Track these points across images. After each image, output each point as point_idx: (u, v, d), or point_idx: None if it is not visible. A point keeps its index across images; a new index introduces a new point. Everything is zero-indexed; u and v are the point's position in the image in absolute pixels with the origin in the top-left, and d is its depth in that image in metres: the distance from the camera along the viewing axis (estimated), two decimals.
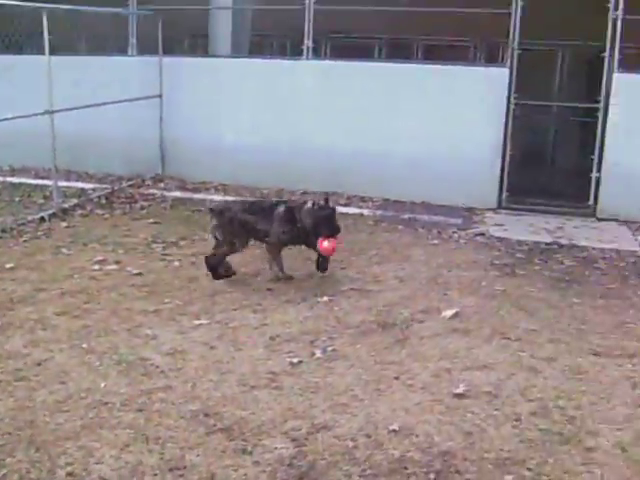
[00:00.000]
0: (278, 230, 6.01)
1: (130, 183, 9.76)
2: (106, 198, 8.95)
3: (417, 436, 3.72)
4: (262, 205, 6.44)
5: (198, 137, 10.11)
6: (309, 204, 6.01)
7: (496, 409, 4.04)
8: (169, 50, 10.47)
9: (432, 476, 3.38)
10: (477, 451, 3.60)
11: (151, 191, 9.47)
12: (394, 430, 3.76)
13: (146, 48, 10.36)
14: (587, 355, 4.83)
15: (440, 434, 3.75)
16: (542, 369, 4.58)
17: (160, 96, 10.08)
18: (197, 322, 5.17)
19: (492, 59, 12.04)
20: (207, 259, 6.14)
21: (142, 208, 8.61)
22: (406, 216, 8.58)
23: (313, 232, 5.92)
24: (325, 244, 5.86)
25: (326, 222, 5.89)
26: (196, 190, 9.68)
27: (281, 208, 6.07)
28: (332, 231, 5.90)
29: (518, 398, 4.18)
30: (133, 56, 10.43)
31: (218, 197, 9.24)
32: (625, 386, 4.41)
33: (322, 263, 6.14)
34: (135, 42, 10.40)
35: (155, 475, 3.35)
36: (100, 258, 6.54)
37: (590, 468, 3.50)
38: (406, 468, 3.44)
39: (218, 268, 6.10)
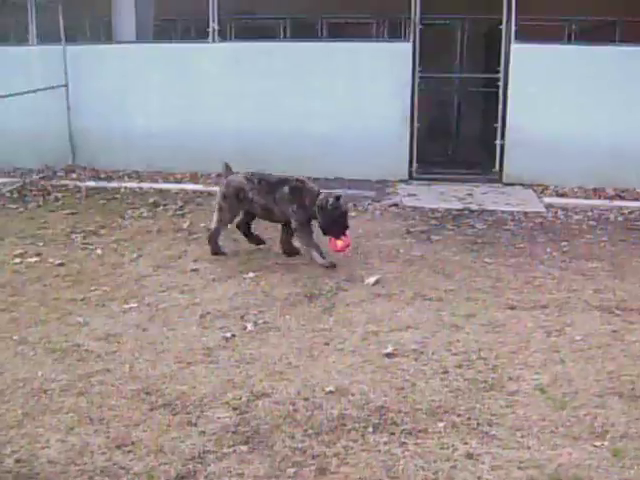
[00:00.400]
0: (298, 211, 5.94)
1: (41, 175, 9.61)
2: (18, 192, 8.81)
3: (353, 395, 3.91)
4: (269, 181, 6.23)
5: (108, 125, 10.02)
6: (321, 198, 5.87)
7: (424, 364, 4.28)
8: (72, 38, 10.30)
9: (370, 429, 3.58)
10: (410, 403, 3.83)
11: (64, 182, 9.35)
12: (331, 391, 3.94)
13: (49, 36, 10.16)
14: (503, 309, 5.14)
15: (374, 391, 3.95)
16: (463, 325, 4.86)
17: (66, 85, 9.92)
18: (127, 306, 5.22)
19: (395, 35, 12.30)
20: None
21: (57, 200, 8.51)
22: None
23: (323, 229, 5.89)
24: (339, 244, 5.85)
25: (339, 223, 5.83)
26: (109, 179, 9.62)
27: (286, 188, 6.01)
28: (343, 231, 5.85)
29: (444, 353, 4.43)
30: (34, 45, 10.21)
31: (132, 184, 9.21)
32: (540, 334, 4.73)
33: (291, 246, 6.24)
34: (35, 30, 10.18)
35: (103, 453, 3.42)
36: (20, 251, 6.48)
37: (514, 409, 3.78)
38: (345, 425, 3.63)
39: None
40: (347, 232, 5.89)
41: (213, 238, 6.36)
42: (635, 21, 11.41)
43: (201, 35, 10.19)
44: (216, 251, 6.34)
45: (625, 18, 11.24)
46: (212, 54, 9.91)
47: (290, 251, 6.27)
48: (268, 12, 12.71)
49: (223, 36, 10.57)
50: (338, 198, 5.83)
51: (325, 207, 5.80)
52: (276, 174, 6.31)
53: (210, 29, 9.77)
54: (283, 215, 6.10)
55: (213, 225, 6.38)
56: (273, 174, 6.31)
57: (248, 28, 12.69)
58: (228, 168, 6.47)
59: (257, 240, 6.51)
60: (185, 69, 9.91)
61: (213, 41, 9.82)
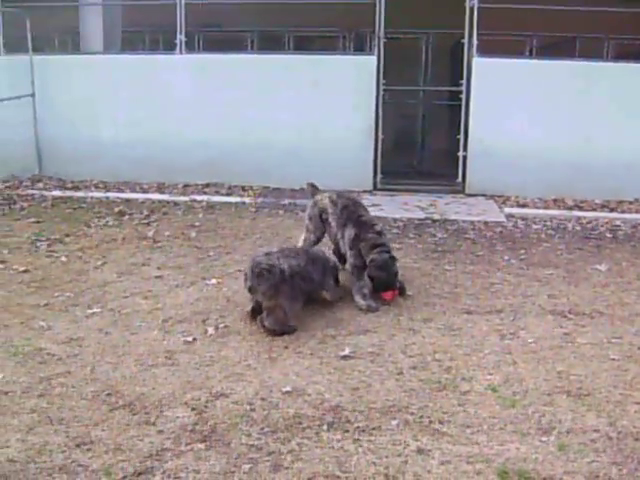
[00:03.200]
0: (356, 258, 5.52)
1: (7, 185, 9.61)
2: None
3: (309, 395, 4.01)
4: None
5: (75, 135, 10.07)
6: (372, 258, 5.41)
7: (380, 366, 4.39)
8: (40, 49, 10.33)
9: (325, 427, 3.68)
10: (365, 403, 3.93)
11: (30, 192, 9.36)
12: (287, 392, 4.04)
13: (16, 46, 10.19)
14: (460, 314, 5.27)
15: (330, 391, 4.05)
16: (420, 329, 4.99)
17: (32, 95, 9.95)
18: (90, 311, 5.27)
19: (361, 48, 12.49)
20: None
21: (22, 209, 8.52)
22: (286, 202, 8.89)
23: (372, 285, 5.45)
24: (387, 295, 5.49)
25: (388, 283, 5.46)
26: (76, 188, 9.64)
27: (352, 231, 5.56)
28: (391, 290, 5.50)
29: (399, 355, 4.55)
30: (1, 55, 10.23)
31: (99, 194, 9.26)
32: (494, 337, 4.88)
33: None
34: (2, 40, 10.20)
35: (63, 452, 3.48)
36: None
37: (465, 408, 3.90)
38: (301, 423, 3.72)
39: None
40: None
41: None
42: (593, 37, 11.75)
43: (169, 47, 10.28)
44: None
45: (584, 34, 11.54)
46: (179, 65, 10.01)
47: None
48: (236, 25, 12.84)
49: (191, 48, 10.68)
50: (393, 259, 5.48)
51: (373, 267, 5.40)
52: (361, 207, 5.94)
53: (178, 41, 9.87)
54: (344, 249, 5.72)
55: (299, 244, 6.02)
56: (358, 203, 6.02)
57: (216, 40, 12.81)
58: (314, 187, 6.21)
59: None
60: (152, 80, 10.00)
61: (180, 53, 9.92)
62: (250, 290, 4.92)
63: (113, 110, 10.07)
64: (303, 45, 12.88)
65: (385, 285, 5.44)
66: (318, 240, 6.01)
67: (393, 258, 5.50)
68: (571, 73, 9.50)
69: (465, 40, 9.51)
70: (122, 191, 9.49)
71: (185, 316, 5.17)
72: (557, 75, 9.45)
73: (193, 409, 3.87)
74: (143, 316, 5.19)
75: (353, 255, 5.54)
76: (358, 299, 5.39)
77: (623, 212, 8.87)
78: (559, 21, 10.91)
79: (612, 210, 8.96)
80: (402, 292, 5.61)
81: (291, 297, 4.88)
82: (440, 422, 3.75)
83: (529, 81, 9.43)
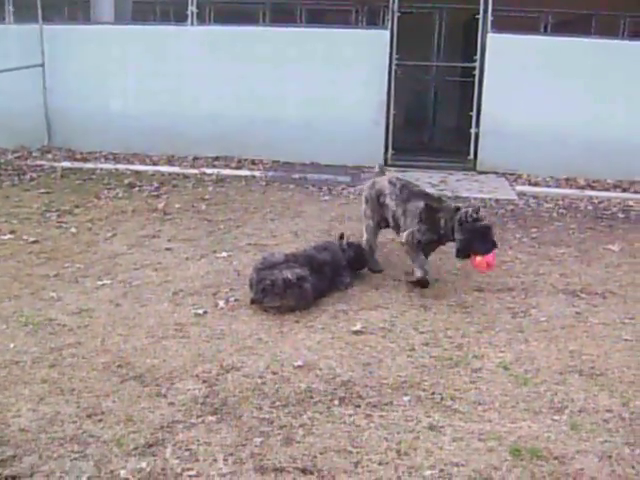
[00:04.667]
0: (413, 227, 5.25)
1: (16, 155, 9.60)
2: None
3: (320, 369, 4.00)
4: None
5: (85, 106, 10.02)
6: (461, 213, 5.05)
7: (391, 342, 4.37)
8: (50, 18, 10.26)
9: (336, 402, 3.67)
10: (376, 378, 3.92)
11: (39, 162, 9.35)
12: (299, 366, 4.02)
13: (26, 15, 10.12)
14: (471, 291, 5.25)
15: (342, 366, 4.04)
16: (431, 306, 4.97)
17: (42, 65, 9.89)
18: (100, 283, 5.26)
19: (374, 22, 12.37)
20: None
21: (32, 179, 8.50)
22: (297, 176, 8.86)
23: (465, 247, 5.04)
24: (478, 259, 4.98)
25: (483, 237, 4.99)
26: (85, 160, 9.62)
27: (421, 203, 5.25)
28: (489, 246, 5.00)
29: (411, 331, 4.53)
30: (11, 24, 10.16)
31: (108, 165, 9.23)
32: (506, 315, 4.85)
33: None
34: (12, 9, 10.13)
35: (74, 422, 3.48)
36: None
37: (477, 385, 3.89)
38: (312, 397, 3.71)
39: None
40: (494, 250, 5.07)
41: (370, 253, 5.62)
42: (610, 14, 11.60)
43: (180, 18, 10.19)
44: (374, 268, 5.62)
45: (601, 11, 11.39)
46: (190, 38, 9.92)
47: None
48: None
49: (202, 20, 10.59)
50: (477, 210, 5.06)
51: (465, 222, 5.00)
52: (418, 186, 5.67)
53: (189, 12, 9.78)
54: (404, 228, 5.35)
55: (365, 238, 5.69)
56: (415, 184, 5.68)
57: (227, 12, 12.69)
58: (382, 171, 5.90)
59: (375, 266, 5.66)
60: (163, 52, 9.93)
61: (192, 24, 9.83)
62: (253, 302, 4.87)
63: (123, 81, 10.01)
64: (316, 18, 12.75)
65: (482, 239, 4.96)
66: (378, 226, 5.63)
67: (478, 210, 5.07)
68: (586, 51, 9.39)
69: (480, 16, 9.39)
70: (132, 163, 9.46)
71: (195, 289, 5.16)
72: (572, 53, 9.35)
73: (204, 382, 3.86)
74: (153, 288, 5.17)
75: (421, 230, 5.19)
76: (417, 269, 5.25)
77: (636, 192, 8.80)
78: None
79: (625, 190, 8.89)
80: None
81: (299, 297, 4.82)
82: (452, 399, 3.73)
83: (543, 58, 9.32)
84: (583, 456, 3.30)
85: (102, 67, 9.96)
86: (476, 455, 3.27)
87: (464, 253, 5.04)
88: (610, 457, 3.29)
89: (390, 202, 5.41)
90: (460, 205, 5.27)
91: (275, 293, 4.76)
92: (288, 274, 4.80)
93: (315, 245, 5.48)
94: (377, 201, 5.53)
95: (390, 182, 5.50)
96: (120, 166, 9.24)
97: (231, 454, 3.23)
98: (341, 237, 5.54)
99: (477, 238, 4.95)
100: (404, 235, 5.28)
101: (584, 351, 4.35)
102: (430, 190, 5.61)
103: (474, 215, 4.99)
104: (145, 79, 9.98)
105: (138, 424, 3.46)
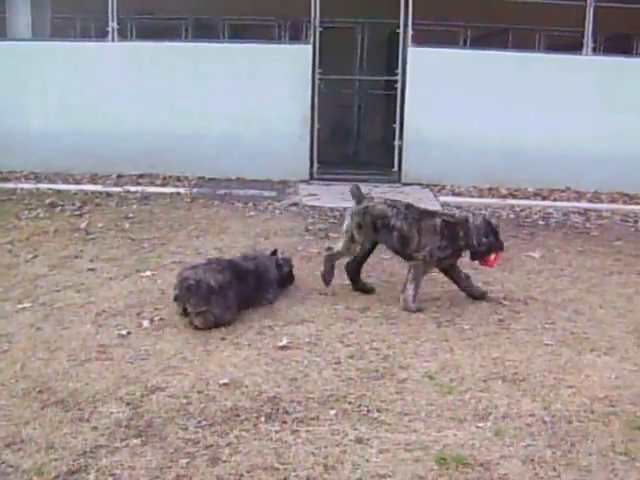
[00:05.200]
0: (434, 245, 5.24)
1: None
2: None
3: (247, 387, 3.97)
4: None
5: (3, 124, 9.75)
6: (477, 220, 5.37)
7: (317, 356, 4.37)
8: None
9: (263, 419, 3.64)
10: (302, 393, 3.91)
11: None
12: (225, 384, 3.98)
13: None
14: (397, 303, 5.28)
15: (268, 382, 4.02)
16: (357, 318, 4.99)
17: None
18: (20, 306, 5.11)
19: (297, 37, 12.44)
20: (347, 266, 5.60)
21: None
22: (222, 192, 8.83)
23: (488, 250, 5.31)
24: (493, 257, 5.36)
25: (498, 238, 5.38)
26: (5, 179, 9.39)
27: (438, 220, 5.32)
28: (502, 245, 5.43)
29: (337, 345, 4.54)
30: None
31: (29, 185, 9.01)
32: (431, 325, 4.92)
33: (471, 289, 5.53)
34: None
35: None
36: None
37: (403, 395, 3.92)
38: (238, 415, 3.68)
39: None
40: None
41: (330, 261, 5.51)
42: (526, 28, 11.95)
43: (101, 34, 10.05)
44: (327, 278, 5.48)
45: (516, 25, 11.72)
46: (112, 54, 9.80)
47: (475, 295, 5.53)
48: (170, 12, 12.64)
49: (123, 36, 10.47)
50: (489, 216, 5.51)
51: (490, 228, 5.32)
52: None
53: (109, 28, 9.65)
54: (418, 247, 5.30)
55: (336, 250, 5.52)
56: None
57: (149, 28, 12.58)
58: (360, 192, 5.61)
59: (364, 287, 5.61)
60: (84, 69, 9.78)
61: (112, 40, 9.71)
62: (176, 299, 4.84)
63: (43, 99, 9.80)
64: (239, 34, 12.75)
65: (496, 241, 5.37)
66: (368, 252, 5.55)
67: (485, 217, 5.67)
68: (504, 63, 9.67)
69: (400, 30, 9.55)
70: (54, 182, 9.26)
71: (119, 309, 5.07)
72: (490, 65, 9.60)
73: (128, 404, 3.79)
74: (75, 310, 5.06)
75: (442, 246, 5.24)
76: (410, 297, 5.21)
77: (555, 200, 9.07)
78: (492, 12, 11.06)
79: (544, 198, 9.16)
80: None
81: (224, 306, 4.79)
82: (378, 411, 3.75)
83: (463, 71, 9.54)
84: (507, 461, 3.35)
85: (21, 84, 9.73)
86: (403, 466, 3.29)
87: (485, 255, 5.35)
88: (533, 461, 3.36)
89: (398, 223, 5.31)
90: (468, 215, 5.65)
91: (200, 297, 4.69)
92: (212, 281, 4.75)
93: (244, 254, 5.49)
94: (373, 227, 5.38)
95: (389, 205, 5.43)
96: (42, 185, 9.03)
97: (156, 477, 3.17)
98: (274, 253, 5.53)
99: (496, 239, 5.35)
100: (421, 255, 5.25)
101: (507, 357, 4.44)
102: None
103: (491, 220, 5.53)
104: (66, 96, 9.79)
105: (60, 451, 3.36)
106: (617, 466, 3.34)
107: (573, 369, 4.32)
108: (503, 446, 3.46)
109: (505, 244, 5.54)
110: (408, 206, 5.49)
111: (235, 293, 4.86)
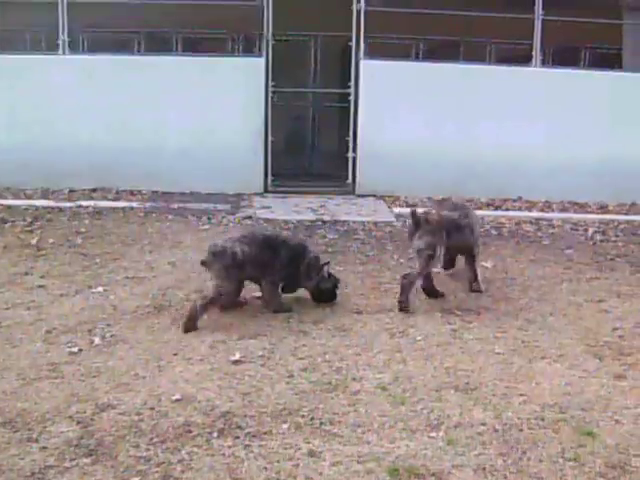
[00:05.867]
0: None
1: None
2: None
3: (199, 402, 3.94)
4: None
5: None
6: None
7: (270, 370, 4.37)
8: None
9: (215, 434, 3.62)
10: (255, 407, 3.90)
11: None
12: (177, 400, 3.96)
13: None
14: (350, 314, 5.32)
15: (220, 397, 4.00)
16: (310, 330, 5.00)
17: None
18: None
19: (250, 50, 12.43)
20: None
21: None
22: (176, 206, 8.77)
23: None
24: None
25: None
26: None
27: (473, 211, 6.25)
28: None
29: (290, 358, 4.54)
30: None
31: None
32: (384, 336, 4.95)
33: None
34: None
35: None
36: None
37: (356, 407, 3.93)
38: (190, 431, 3.65)
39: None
40: None
41: (408, 290, 5.45)
42: (477, 41, 12.11)
43: (52, 47, 9.93)
44: (405, 306, 5.41)
45: (466, 38, 11.88)
46: (63, 67, 9.67)
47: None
48: (122, 26, 12.53)
49: (75, 49, 10.36)
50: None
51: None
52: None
53: (60, 41, 9.54)
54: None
55: (417, 271, 5.55)
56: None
57: (102, 41, 12.45)
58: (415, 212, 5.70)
59: (436, 292, 5.81)
60: (35, 82, 9.62)
61: (63, 53, 9.60)
62: (203, 264, 5.22)
63: None
64: (192, 47, 12.69)
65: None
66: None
67: None
68: (455, 75, 9.77)
69: (353, 43, 9.62)
70: (3, 197, 9.09)
71: (70, 326, 5.00)
72: (442, 77, 9.71)
73: (78, 422, 3.74)
74: (25, 328, 4.97)
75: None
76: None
77: (507, 210, 9.20)
78: (444, 26, 11.17)
79: (497, 208, 9.28)
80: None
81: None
82: (331, 423, 3.76)
83: (416, 83, 9.64)
84: (459, 470, 3.38)
85: None
86: (355, 478, 3.30)
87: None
88: (484, 469, 3.39)
89: (472, 223, 5.99)
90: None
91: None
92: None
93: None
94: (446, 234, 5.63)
95: (452, 211, 5.89)
96: None
97: None
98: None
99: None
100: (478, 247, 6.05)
101: (459, 367, 4.48)
102: None
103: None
104: (16, 110, 9.64)
105: (7, 473, 3.30)
106: (567, 472, 3.40)
107: (524, 377, 4.38)
108: (455, 455, 3.49)
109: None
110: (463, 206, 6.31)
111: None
